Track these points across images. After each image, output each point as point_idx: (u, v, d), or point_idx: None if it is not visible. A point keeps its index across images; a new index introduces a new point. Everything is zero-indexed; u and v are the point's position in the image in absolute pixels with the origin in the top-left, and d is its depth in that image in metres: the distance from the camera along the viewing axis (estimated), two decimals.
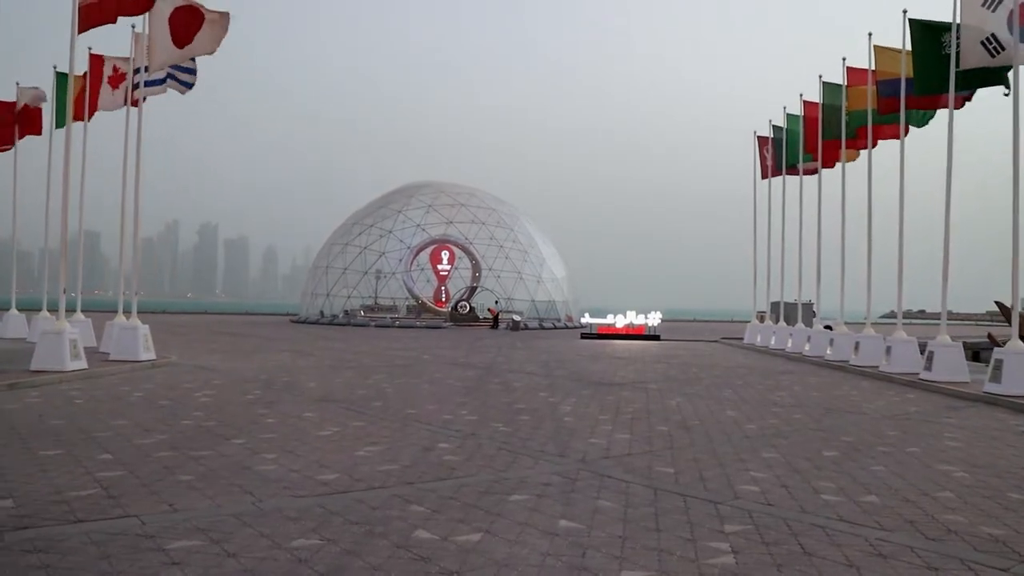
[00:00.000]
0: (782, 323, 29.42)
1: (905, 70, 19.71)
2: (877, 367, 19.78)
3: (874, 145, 21.97)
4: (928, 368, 17.28)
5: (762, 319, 33.52)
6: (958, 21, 16.94)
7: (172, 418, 10.82)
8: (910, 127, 21.33)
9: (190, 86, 19.83)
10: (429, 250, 51.96)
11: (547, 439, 9.61)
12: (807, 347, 25.40)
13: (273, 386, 15.01)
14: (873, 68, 21.50)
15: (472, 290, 51.19)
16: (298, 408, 12.04)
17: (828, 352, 23.38)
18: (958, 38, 16.86)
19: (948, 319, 17.82)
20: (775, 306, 31.86)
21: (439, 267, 52.86)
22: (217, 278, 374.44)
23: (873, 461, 8.59)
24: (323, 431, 9.96)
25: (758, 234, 32.05)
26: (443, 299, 52.59)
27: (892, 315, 61.86)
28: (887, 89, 20.78)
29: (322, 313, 50.36)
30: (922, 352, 18.78)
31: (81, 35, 16.88)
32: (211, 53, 18.13)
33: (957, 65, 17.01)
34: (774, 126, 30.70)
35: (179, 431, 9.80)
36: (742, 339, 34.77)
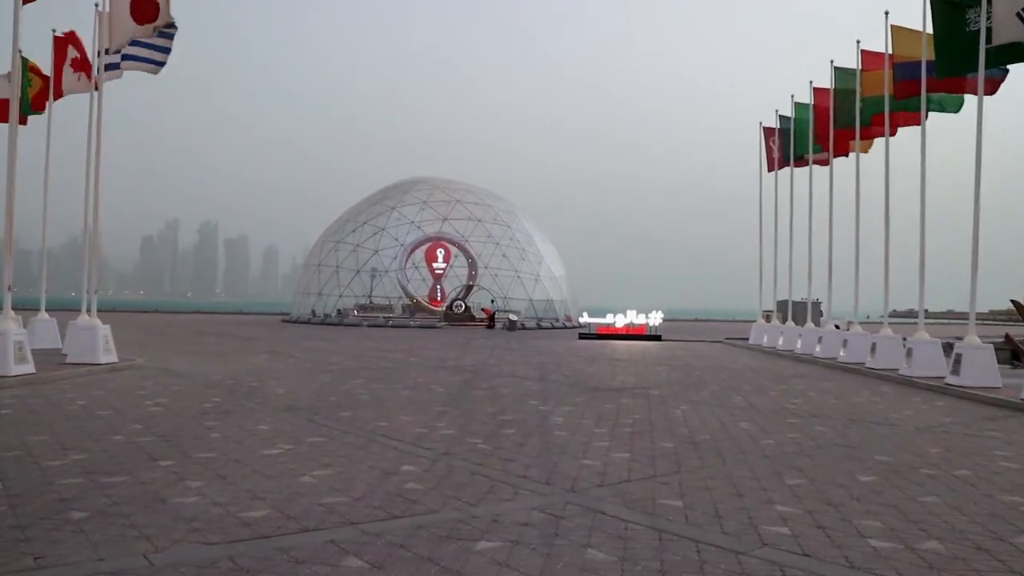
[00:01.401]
0: (790, 323, 28.00)
1: (926, 52, 18.26)
2: (897, 370, 18.35)
3: (892, 133, 20.51)
4: (955, 372, 15.84)
5: (768, 318, 32.09)
6: None
7: (104, 432, 9.41)
8: (941, 112, 19.97)
9: (160, 64, 18.35)
10: (424, 248, 50.52)
11: (532, 460, 8.19)
12: (818, 348, 23.97)
13: (236, 393, 13.60)
14: (890, 52, 20.06)
15: (468, 289, 49.72)
16: (254, 420, 10.63)
17: (841, 354, 21.94)
18: (989, 11, 15.44)
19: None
20: (782, 305, 30.44)
21: (434, 265, 51.35)
22: (217, 277, 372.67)
23: (920, 489, 7.17)
24: (272, 449, 8.55)
25: (764, 230, 30.64)
26: (439, 298, 51.12)
27: (894, 315, 59.97)
28: (905, 72, 19.36)
29: (313, 312, 48.91)
30: (946, 354, 17.40)
31: (44, 19, 15.60)
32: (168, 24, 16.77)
33: (989, 42, 15.57)
34: (781, 116, 29.27)
35: (104, 449, 8.38)
36: (747, 339, 33.33)
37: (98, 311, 18.33)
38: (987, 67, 15.99)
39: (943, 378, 16.52)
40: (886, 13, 19.89)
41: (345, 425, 10.28)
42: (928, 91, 18.40)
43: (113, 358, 17.52)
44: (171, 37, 18.12)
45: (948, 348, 18.34)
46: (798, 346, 25.71)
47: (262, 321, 52.34)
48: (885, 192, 20.19)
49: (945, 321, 66.29)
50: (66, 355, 17.62)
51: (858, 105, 22.19)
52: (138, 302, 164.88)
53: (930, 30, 17.65)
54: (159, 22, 16.85)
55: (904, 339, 19.21)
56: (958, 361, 15.85)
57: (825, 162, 26.67)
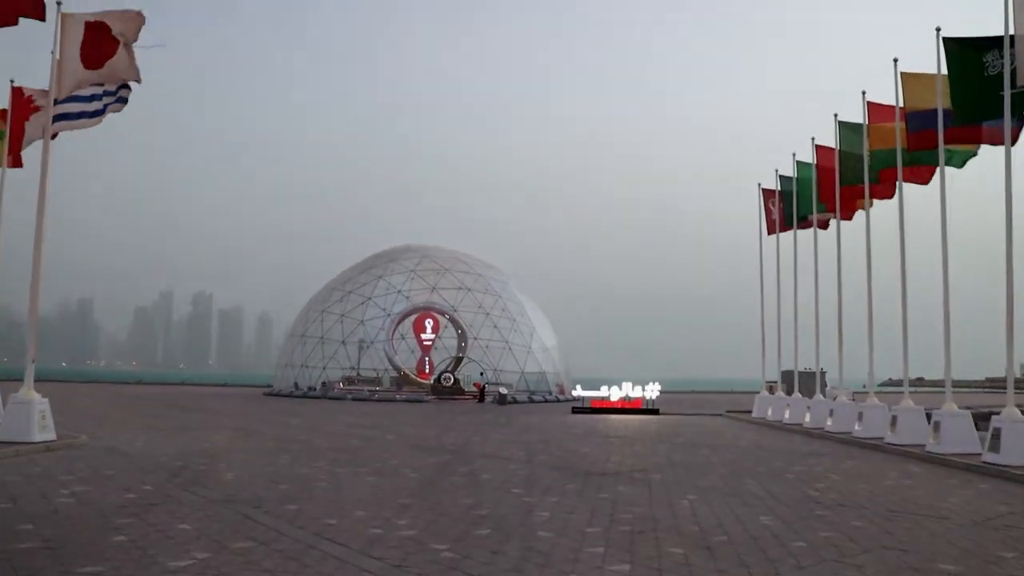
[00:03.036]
0: (797, 394, 26.23)
1: (940, 98, 17.00)
2: (923, 447, 16.59)
3: (927, 182, 19.25)
4: (994, 449, 14.07)
5: (771, 390, 30.36)
6: (1011, 32, 14.36)
7: None
8: (946, 168, 18.74)
9: (100, 113, 16.98)
10: (412, 318, 48.82)
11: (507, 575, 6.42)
12: (829, 422, 22.17)
13: (176, 478, 11.79)
14: (901, 102, 18.80)
15: (458, 361, 47.91)
16: (179, 515, 8.84)
17: (857, 428, 20.18)
18: (1012, 50, 14.24)
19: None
20: (787, 375, 28.75)
21: (423, 336, 49.54)
22: (211, 348, 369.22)
23: None
24: (181, 559, 6.78)
25: (765, 296, 29.19)
26: (427, 370, 49.23)
27: (890, 383, 57.47)
28: (918, 123, 18.05)
29: (296, 385, 46.95)
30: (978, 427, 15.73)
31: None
32: (136, 80, 15.57)
33: (1013, 85, 14.30)
34: (782, 176, 28.01)
35: None
36: (749, 412, 31.56)
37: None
38: (1013, 113, 14.69)
39: (978, 455, 14.78)
40: (895, 60, 18.70)
41: (286, 523, 8.50)
42: (946, 141, 17.03)
43: (50, 435, 15.69)
44: (124, 101, 16.92)
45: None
46: (807, 420, 23.93)
47: (245, 394, 50.32)
48: (901, 253, 18.71)
49: (913, 389, 62.99)
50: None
51: (867, 161, 20.86)
52: (128, 373, 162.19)
53: (945, 73, 16.47)
54: (124, 77, 15.62)
55: (927, 412, 17.54)
56: (996, 436, 14.10)
57: (825, 224, 25.44)
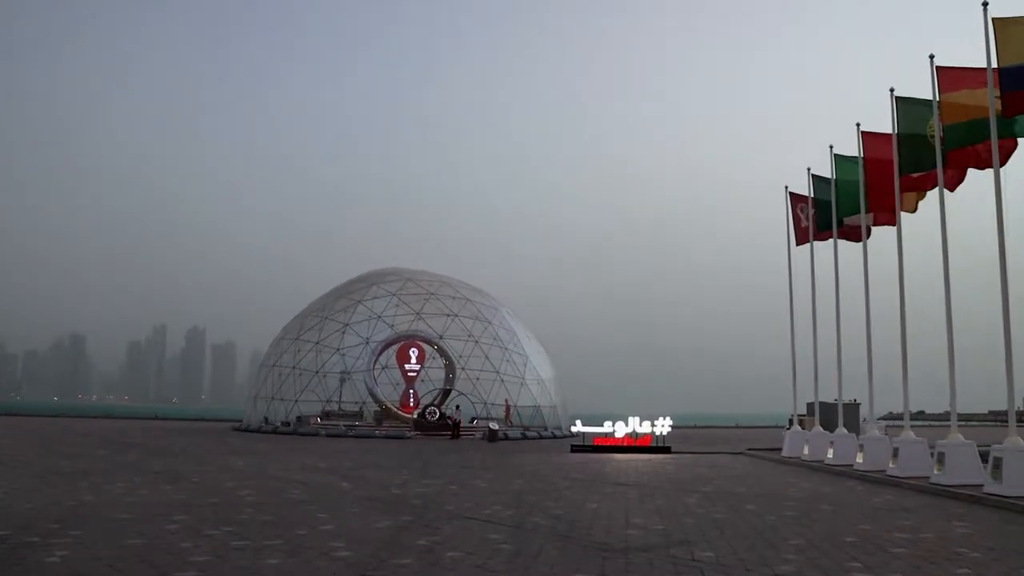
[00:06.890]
0: (841, 430, 21.96)
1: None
2: None
3: (1002, 163, 15.12)
4: None
5: (802, 424, 26.20)
6: None
7: None
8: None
9: None
10: (395, 347, 44.61)
11: None
12: (892, 464, 17.92)
13: None
14: (994, 61, 14.83)
15: (445, 393, 43.68)
16: None
17: (935, 472, 15.93)
18: None
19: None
20: (825, 408, 24.58)
21: (407, 367, 45.21)
22: (204, 383, 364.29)
23: None
24: None
25: (796, 317, 25.21)
26: (412, 403, 44.86)
27: (890, 417, 52.96)
28: (1016, 79, 14.06)
29: (266, 419, 42.54)
30: None
31: None
32: None
33: None
34: (815, 176, 24.02)
35: None
36: (771, 449, 27.51)
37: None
38: None
39: None
40: (984, 4, 14.71)
41: None
42: None
43: None
44: None
45: None
46: (859, 460, 19.66)
47: (213, 429, 45.84)
48: (1000, 252, 14.56)
49: (934, 423, 58.62)
50: None
51: (938, 142, 16.85)
52: (107, 407, 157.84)
53: None
54: None
55: None
56: None
57: (864, 232, 21.53)
